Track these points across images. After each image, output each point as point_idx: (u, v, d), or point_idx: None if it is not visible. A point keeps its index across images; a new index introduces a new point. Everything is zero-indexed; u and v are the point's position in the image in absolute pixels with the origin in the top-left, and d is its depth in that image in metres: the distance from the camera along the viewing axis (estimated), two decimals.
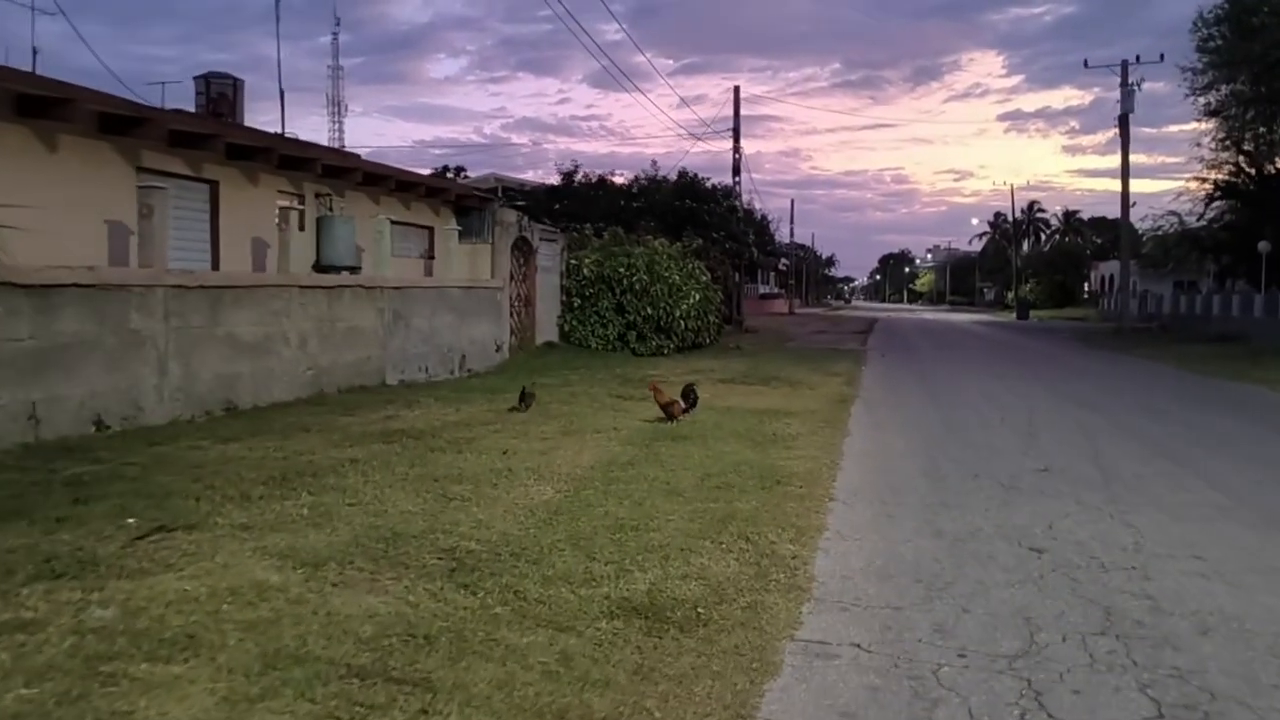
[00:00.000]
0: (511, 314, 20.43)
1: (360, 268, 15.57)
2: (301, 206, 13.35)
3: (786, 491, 8.19)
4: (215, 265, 13.29)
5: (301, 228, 15.22)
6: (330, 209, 15.45)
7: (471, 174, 44.65)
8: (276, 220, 13.03)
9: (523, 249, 21.08)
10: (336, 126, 66.08)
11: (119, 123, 11.06)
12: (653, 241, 24.94)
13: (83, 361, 9.39)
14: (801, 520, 7.25)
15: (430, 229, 19.10)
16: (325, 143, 60.31)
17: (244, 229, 13.33)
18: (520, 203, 26.88)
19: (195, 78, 25.10)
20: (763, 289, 78.04)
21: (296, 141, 16.07)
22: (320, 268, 15.27)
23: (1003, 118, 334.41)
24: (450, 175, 45.04)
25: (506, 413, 12.55)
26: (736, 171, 40.53)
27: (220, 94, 24.64)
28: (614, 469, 8.90)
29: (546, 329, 22.28)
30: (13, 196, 10.14)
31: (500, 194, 34.97)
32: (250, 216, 13.54)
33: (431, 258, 19.00)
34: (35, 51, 25.56)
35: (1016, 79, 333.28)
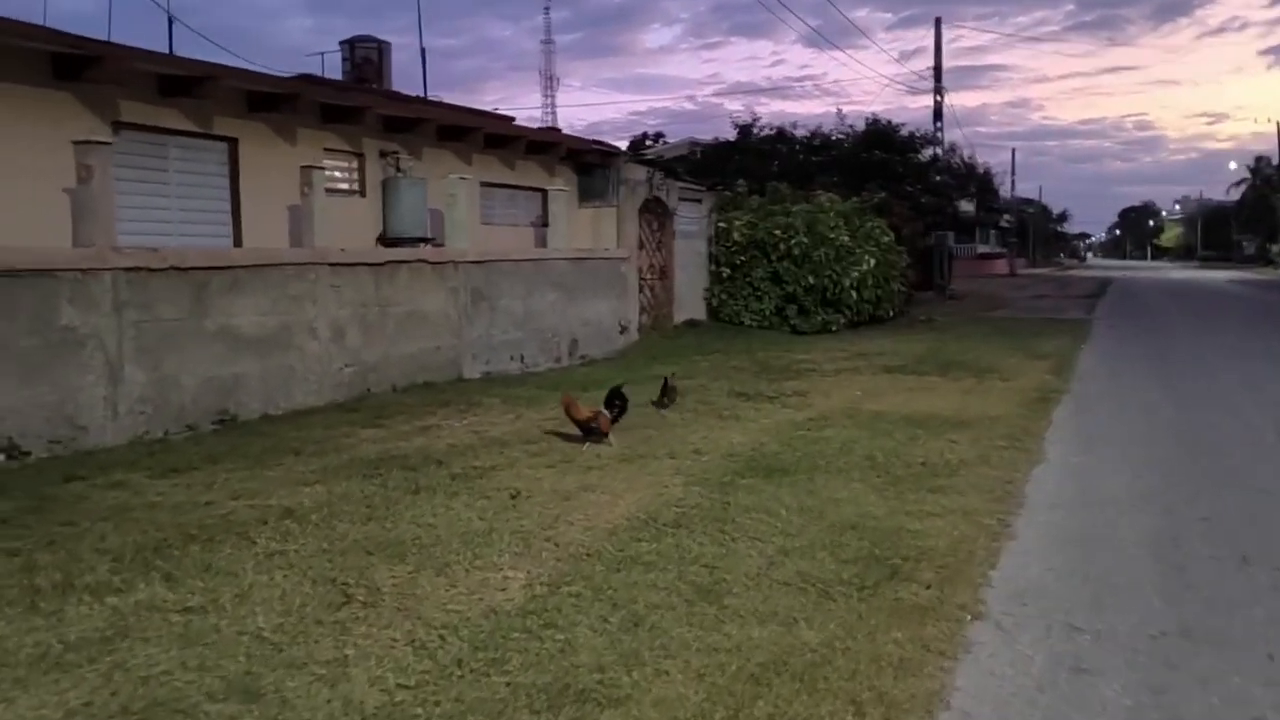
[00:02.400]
0: (642, 289, 17.53)
1: (435, 239, 13.09)
2: (308, 168, 10.81)
3: (900, 600, 4.87)
4: (238, 241, 11.12)
5: (363, 193, 12.88)
6: (398, 169, 13.01)
7: (671, 140, 41.90)
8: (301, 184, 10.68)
9: (657, 211, 18.09)
10: (549, 101, 64.80)
11: (73, 66, 8.95)
12: (820, 197, 21.27)
13: None
14: (902, 683, 3.97)
15: (545, 192, 16.43)
16: (538, 118, 59.20)
17: (278, 197, 11.08)
18: (647, 155, 23.68)
19: (341, 43, 23.66)
20: (982, 248, 71.79)
21: (334, 86, 13.75)
22: (387, 240, 12.90)
23: (1265, 53, 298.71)
24: (649, 143, 42.49)
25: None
26: (938, 115, 35.70)
27: (365, 59, 23.05)
28: (646, 535, 5.87)
29: (689, 304, 19.23)
30: None
31: (699, 155, 32.15)
32: (287, 181, 11.25)
33: (546, 225, 16.35)
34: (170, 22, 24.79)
35: None
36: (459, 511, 6.44)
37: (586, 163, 17.05)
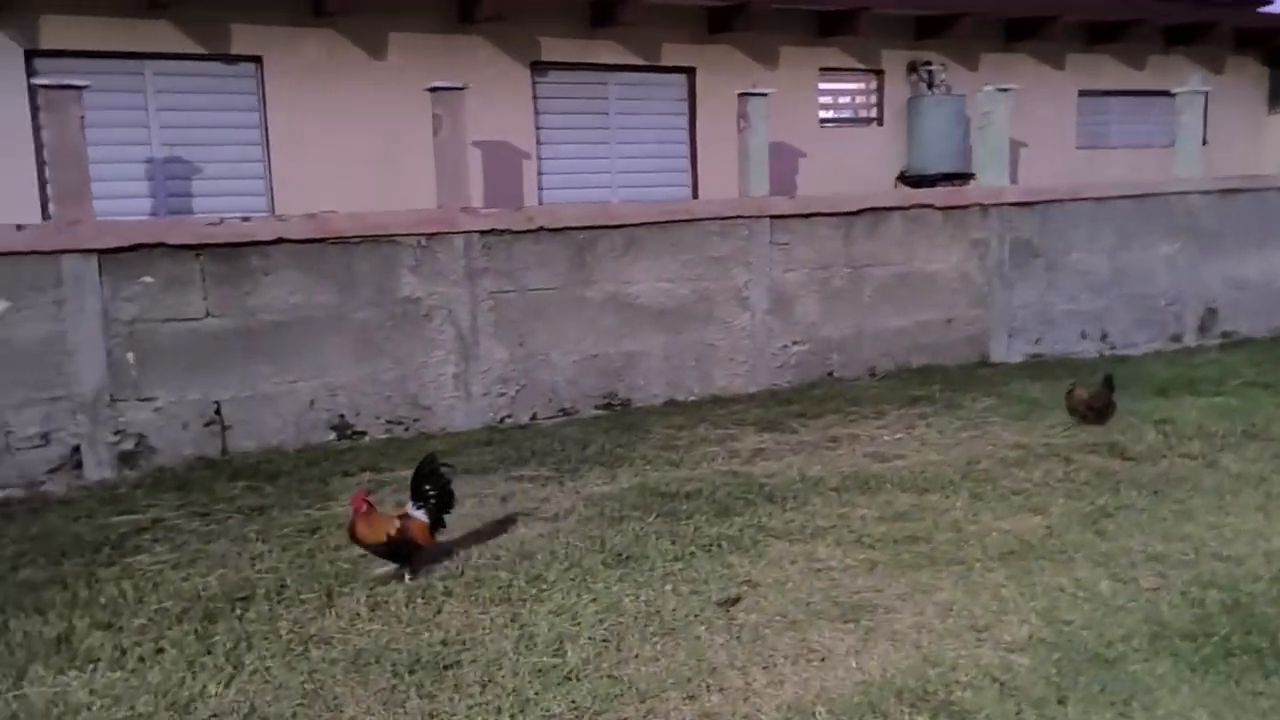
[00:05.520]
0: None
1: (973, 175, 9.83)
2: (746, 95, 8.24)
3: None
4: (695, 192, 9.45)
5: (879, 121, 10.20)
6: (931, 85, 10.01)
7: None
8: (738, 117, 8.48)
9: None
10: None
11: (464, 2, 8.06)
12: None
13: (308, 346, 6.94)
14: None
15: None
16: None
17: None
18: None
19: None
20: None
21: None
22: (909, 178, 10.11)
23: None
24: None
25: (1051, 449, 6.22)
26: None
27: None
28: None
29: None
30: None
31: None
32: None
33: (1208, 142, 11.53)
34: None
35: None
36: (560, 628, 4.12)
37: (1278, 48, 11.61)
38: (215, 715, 3.52)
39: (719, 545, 4.91)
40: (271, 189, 7.99)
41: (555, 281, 7.64)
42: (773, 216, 8.29)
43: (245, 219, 6.82)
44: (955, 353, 9.18)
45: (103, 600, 4.56)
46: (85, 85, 6.31)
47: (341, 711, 3.52)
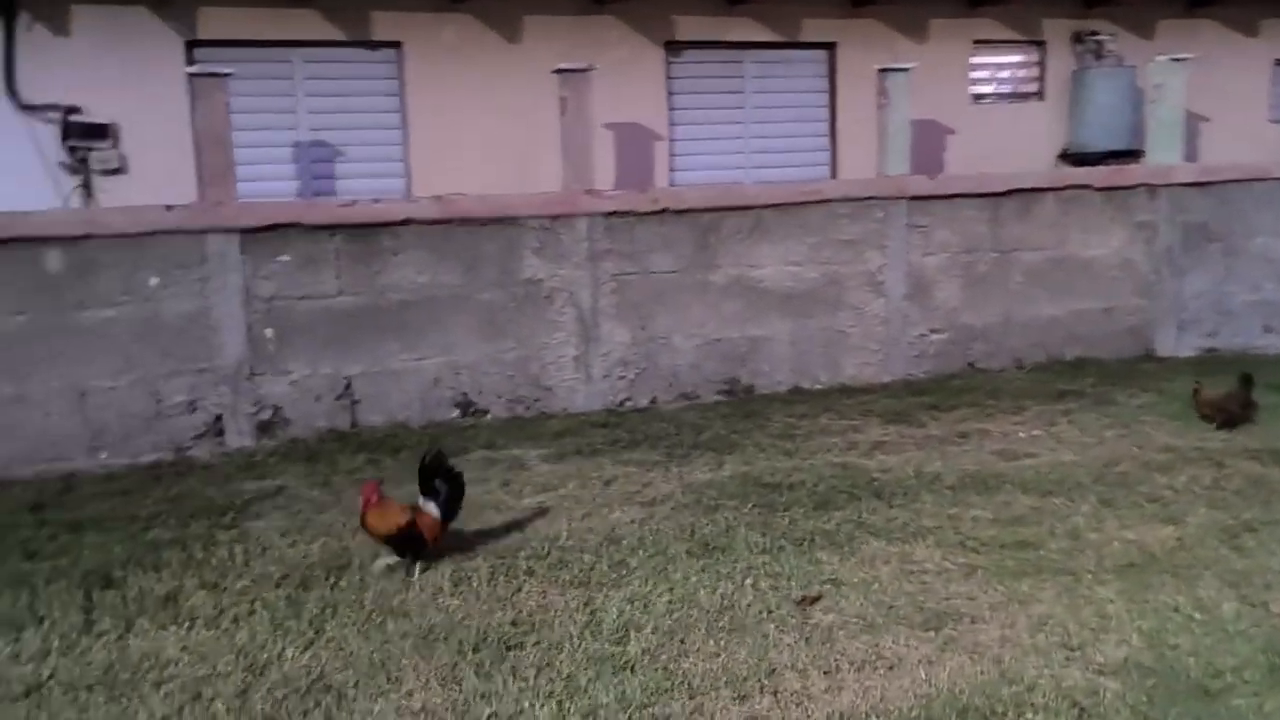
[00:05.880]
0: None
1: (1143, 153, 9.04)
2: (886, 70, 7.77)
3: None
4: (835, 172, 9.07)
5: (1040, 95, 9.52)
6: (1099, 56, 9.26)
7: None
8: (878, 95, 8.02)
9: None
10: None
11: None
12: None
13: (433, 325, 7.11)
14: None
15: None
16: None
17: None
18: None
19: None
20: None
21: None
22: (1070, 156, 9.42)
23: None
24: None
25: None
26: None
27: None
28: None
29: None
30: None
31: None
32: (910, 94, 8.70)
33: None
34: None
35: None
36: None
37: None
38: (286, 679, 3.65)
39: (811, 540, 4.72)
40: (409, 170, 8.26)
41: (678, 264, 7.54)
42: (910, 198, 7.90)
43: (376, 200, 7.07)
44: (1115, 345, 8.51)
45: (213, 562, 4.81)
46: (229, 73, 6.66)
47: (401, 685, 3.58)
